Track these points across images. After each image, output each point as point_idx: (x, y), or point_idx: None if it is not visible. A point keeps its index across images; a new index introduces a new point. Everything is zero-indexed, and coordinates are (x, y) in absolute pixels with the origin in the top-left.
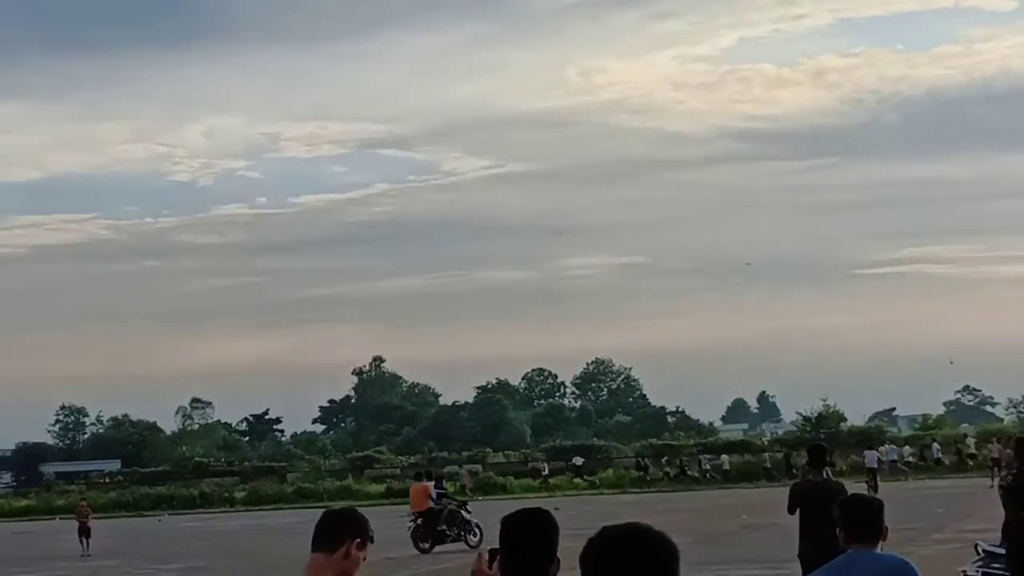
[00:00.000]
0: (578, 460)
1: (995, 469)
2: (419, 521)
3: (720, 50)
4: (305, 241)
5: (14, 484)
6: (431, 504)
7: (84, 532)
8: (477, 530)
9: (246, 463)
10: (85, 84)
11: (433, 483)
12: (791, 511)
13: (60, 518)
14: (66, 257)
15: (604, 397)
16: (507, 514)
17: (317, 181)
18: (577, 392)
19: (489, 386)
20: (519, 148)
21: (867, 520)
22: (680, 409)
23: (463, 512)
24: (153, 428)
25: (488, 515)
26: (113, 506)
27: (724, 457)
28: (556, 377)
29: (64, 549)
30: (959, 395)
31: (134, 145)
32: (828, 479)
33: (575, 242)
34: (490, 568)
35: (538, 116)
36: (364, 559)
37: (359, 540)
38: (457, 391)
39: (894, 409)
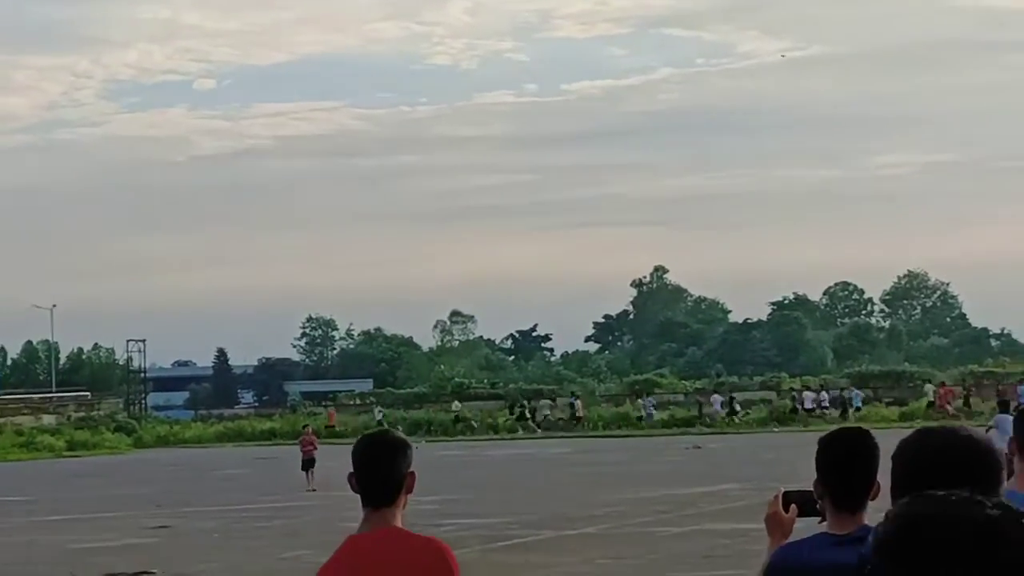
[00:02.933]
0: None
1: None
2: None
3: None
4: (579, 133)
5: (256, 404)
6: None
7: (309, 464)
8: None
9: (511, 385)
10: None
11: None
12: None
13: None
14: (312, 150)
15: (917, 316)
16: (824, 434)
17: (593, 65)
18: (886, 310)
19: (785, 302)
20: (822, 28)
21: None
22: (1006, 331)
23: None
24: (408, 344)
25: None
26: (364, 430)
27: None
28: (862, 292)
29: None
30: None
31: (387, 24)
32: None
33: (886, 136)
34: (786, 511)
35: None
36: None
37: None
38: (749, 307)
39: None
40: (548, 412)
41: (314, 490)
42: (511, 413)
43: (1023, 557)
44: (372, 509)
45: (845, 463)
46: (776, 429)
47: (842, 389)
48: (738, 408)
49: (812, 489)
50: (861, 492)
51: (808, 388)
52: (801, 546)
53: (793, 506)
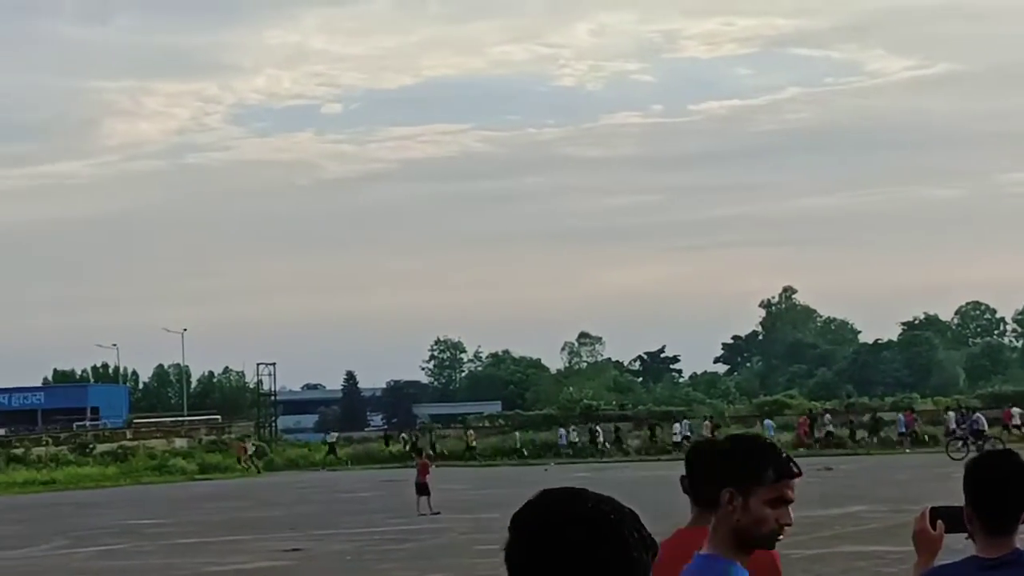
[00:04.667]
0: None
1: None
2: None
3: None
4: (705, 153)
5: (385, 427)
6: None
7: (423, 490)
8: None
9: (640, 407)
10: None
11: None
12: None
13: (436, 465)
14: (439, 173)
15: None
16: (973, 457)
17: (719, 85)
18: (1019, 329)
19: (916, 322)
20: (949, 45)
21: None
22: None
23: None
24: (537, 366)
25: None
26: (493, 452)
27: None
28: (994, 312)
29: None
30: None
31: (514, 46)
32: None
33: (1015, 153)
34: (933, 528)
35: (970, 7)
36: None
37: None
38: (879, 327)
39: None
40: (690, 433)
41: (424, 515)
42: (652, 435)
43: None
44: (702, 508)
45: (997, 485)
46: (908, 451)
47: (972, 410)
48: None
49: (959, 506)
50: (1014, 515)
51: (951, 409)
52: (951, 570)
53: (940, 523)
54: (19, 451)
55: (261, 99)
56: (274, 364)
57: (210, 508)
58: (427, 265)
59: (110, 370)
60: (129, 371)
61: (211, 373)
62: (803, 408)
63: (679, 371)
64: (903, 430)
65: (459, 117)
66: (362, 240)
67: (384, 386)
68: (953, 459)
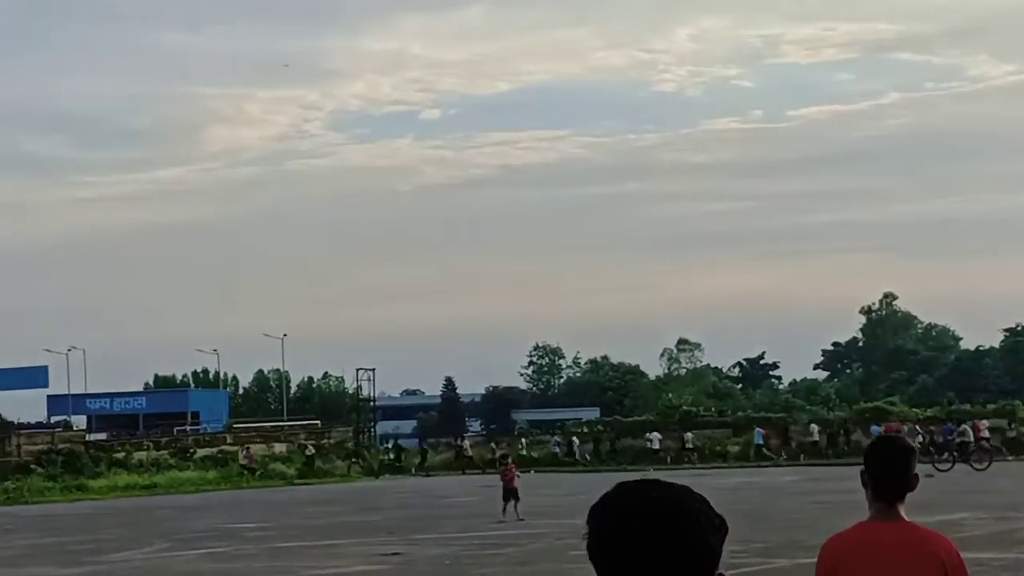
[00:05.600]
0: None
1: None
2: None
3: None
4: (806, 159)
5: (484, 432)
6: None
7: (510, 495)
8: None
9: (739, 413)
10: None
11: None
12: None
13: (535, 471)
14: (537, 179)
15: None
16: None
17: (820, 91)
18: None
19: (1019, 328)
20: None
21: None
22: None
23: None
24: (635, 372)
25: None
26: (592, 458)
27: None
28: None
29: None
30: None
31: (612, 52)
32: None
33: None
34: None
35: None
36: None
37: None
38: (981, 334)
39: None
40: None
41: (510, 520)
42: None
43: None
44: (884, 503)
45: None
46: (1011, 458)
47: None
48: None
49: None
50: None
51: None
52: None
53: None
54: (121, 455)
55: (361, 105)
56: (373, 370)
57: (310, 512)
58: (526, 271)
59: (210, 375)
60: (229, 376)
61: (310, 378)
62: (904, 415)
63: (778, 377)
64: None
65: (557, 123)
66: (461, 246)
67: (483, 392)
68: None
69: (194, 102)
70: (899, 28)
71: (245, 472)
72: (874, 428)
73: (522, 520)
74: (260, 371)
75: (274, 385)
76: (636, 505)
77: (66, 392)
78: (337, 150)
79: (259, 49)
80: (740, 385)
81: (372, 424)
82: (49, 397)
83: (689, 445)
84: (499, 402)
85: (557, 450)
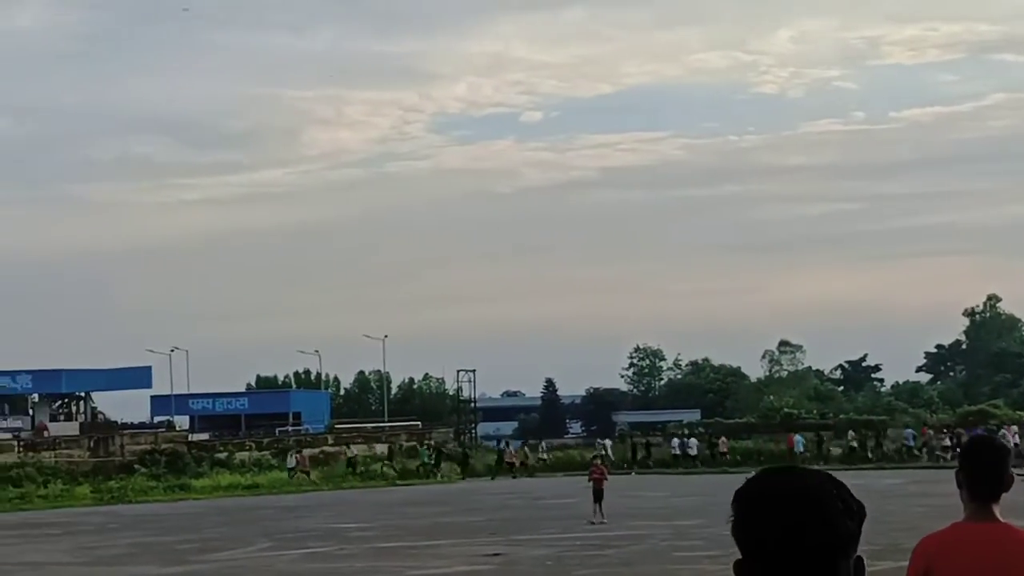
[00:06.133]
0: None
1: None
2: None
3: None
4: (908, 161)
5: (584, 434)
6: None
7: (598, 496)
8: None
9: (840, 416)
10: None
11: None
12: None
13: (636, 472)
14: (638, 181)
15: None
16: None
17: (922, 92)
18: None
19: None
20: None
21: None
22: None
23: None
24: (737, 374)
25: None
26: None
27: None
28: None
29: (632, 507)
30: None
31: (713, 53)
32: None
33: None
34: None
35: None
36: None
37: None
38: None
39: None
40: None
41: (596, 523)
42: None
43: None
44: (979, 503)
45: None
46: None
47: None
48: None
49: None
50: None
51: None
52: None
53: None
54: (223, 455)
55: (461, 107)
56: (474, 371)
57: (411, 513)
58: (626, 273)
59: (312, 376)
60: (331, 377)
61: (411, 379)
62: (1008, 418)
63: (881, 380)
64: None
65: (658, 125)
66: (561, 247)
67: (583, 394)
68: None
69: (293, 104)
70: (1002, 29)
71: (297, 474)
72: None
73: (604, 522)
74: (361, 372)
75: (375, 386)
76: (778, 488)
77: (169, 392)
78: (437, 152)
79: (359, 51)
80: (842, 387)
81: (473, 425)
82: (152, 397)
83: (723, 449)
84: (599, 404)
85: (678, 451)
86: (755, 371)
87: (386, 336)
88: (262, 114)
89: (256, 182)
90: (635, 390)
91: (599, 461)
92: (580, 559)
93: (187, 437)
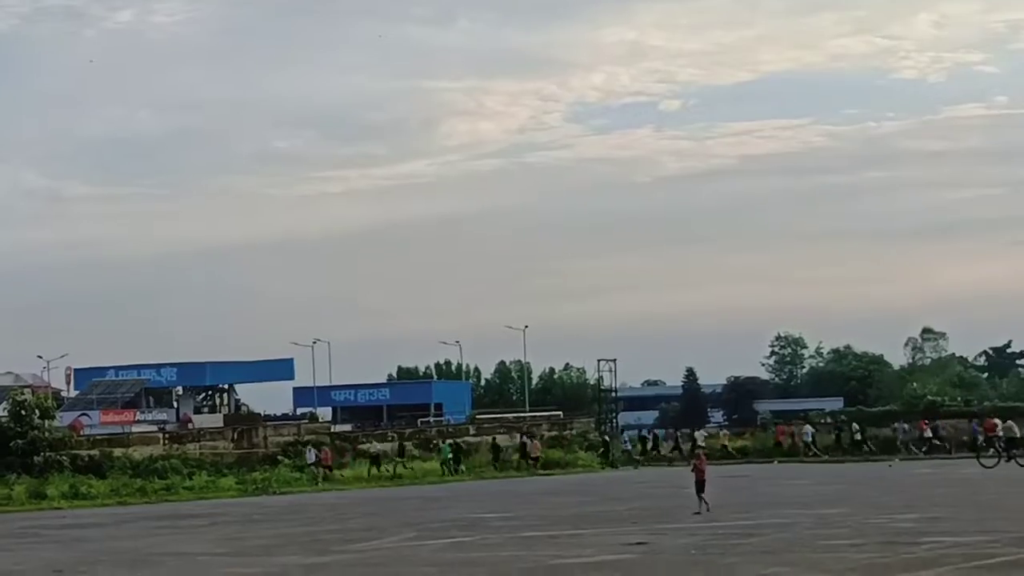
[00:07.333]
0: None
1: None
2: None
3: None
4: None
5: (726, 422)
6: None
7: (700, 487)
8: None
9: (985, 403)
10: None
11: None
12: None
13: (778, 461)
14: (778, 168)
15: None
16: None
17: None
18: None
19: None
20: None
21: None
22: None
23: None
24: (880, 362)
25: None
26: (837, 448)
27: None
28: None
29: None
30: None
31: (852, 39)
32: None
33: None
34: None
35: None
36: None
37: None
38: None
39: None
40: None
41: (698, 513)
42: None
43: None
44: None
45: None
46: None
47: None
48: None
49: None
50: None
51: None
52: None
53: None
54: (365, 446)
55: (599, 96)
56: (614, 360)
57: (552, 503)
58: (767, 261)
59: (452, 367)
60: (471, 368)
61: (552, 369)
62: None
63: None
64: None
65: (797, 112)
66: (702, 236)
67: (724, 382)
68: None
69: (433, 96)
70: None
71: (318, 470)
72: None
73: (697, 514)
74: (502, 362)
75: (516, 376)
76: None
77: (311, 384)
78: (576, 142)
79: (497, 43)
80: (986, 375)
81: (614, 415)
82: (295, 389)
83: (859, 436)
84: (741, 392)
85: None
86: (898, 359)
87: (527, 326)
88: (402, 106)
89: (398, 174)
90: (777, 378)
91: (702, 453)
92: (723, 547)
93: (330, 428)
